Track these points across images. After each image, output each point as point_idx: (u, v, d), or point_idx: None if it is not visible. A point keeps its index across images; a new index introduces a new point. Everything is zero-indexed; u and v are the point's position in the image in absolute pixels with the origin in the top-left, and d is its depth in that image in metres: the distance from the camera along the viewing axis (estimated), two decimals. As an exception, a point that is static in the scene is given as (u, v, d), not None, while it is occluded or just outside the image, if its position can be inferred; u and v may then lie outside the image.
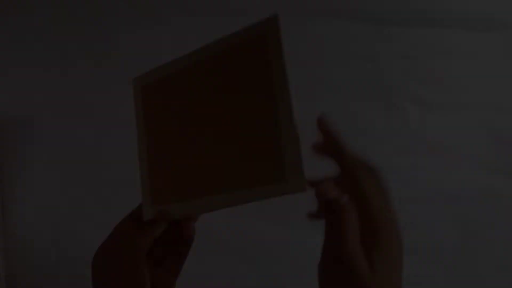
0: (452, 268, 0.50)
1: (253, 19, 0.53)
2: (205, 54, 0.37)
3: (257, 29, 0.34)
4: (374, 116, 0.51)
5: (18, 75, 0.52)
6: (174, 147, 0.39)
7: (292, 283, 0.50)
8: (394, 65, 0.51)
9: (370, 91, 0.51)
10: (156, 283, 0.36)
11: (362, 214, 0.28)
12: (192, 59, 0.38)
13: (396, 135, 0.51)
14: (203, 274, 0.50)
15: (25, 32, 0.52)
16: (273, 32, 0.33)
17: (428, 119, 0.51)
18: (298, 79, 0.47)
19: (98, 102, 0.51)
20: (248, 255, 0.50)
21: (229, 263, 0.50)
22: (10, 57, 0.53)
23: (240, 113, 0.36)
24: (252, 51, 0.34)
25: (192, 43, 0.53)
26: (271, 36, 0.33)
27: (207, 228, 0.47)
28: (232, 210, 0.39)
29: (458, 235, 0.50)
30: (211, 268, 0.50)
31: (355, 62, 0.51)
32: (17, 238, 0.50)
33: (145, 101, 0.41)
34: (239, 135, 0.36)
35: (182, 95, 0.39)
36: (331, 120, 0.30)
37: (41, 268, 0.50)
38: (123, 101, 0.51)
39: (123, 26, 0.52)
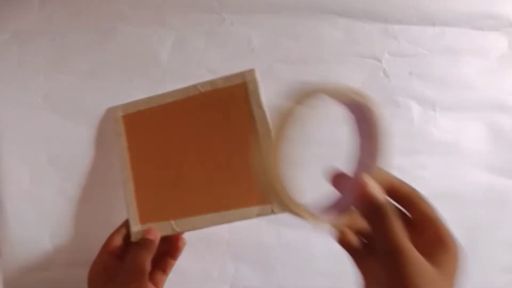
0: (455, 268, 0.50)
1: (253, 19, 0.54)
2: (191, 93, 0.43)
3: (238, 76, 0.42)
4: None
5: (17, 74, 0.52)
6: (159, 171, 0.44)
7: (292, 283, 0.50)
8: (397, 63, 0.50)
9: (374, 90, 0.50)
10: None
11: None
12: (177, 95, 0.44)
13: (400, 134, 0.50)
14: (203, 274, 0.50)
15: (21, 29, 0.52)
16: (252, 80, 0.42)
17: (432, 117, 0.51)
18: (301, 76, 0.48)
19: (98, 103, 0.51)
20: (248, 255, 0.50)
21: (229, 263, 0.50)
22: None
23: (225, 144, 0.42)
24: (235, 94, 0.42)
25: (192, 42, 0.53)
26: (250, 83, 0.42)
27: (208, 229, 0.47)
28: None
29: (459, 235, 0.50)
30: (211, 267, 0.50)
31: (358, 61, 0.50)
32: (17, 238, 0.50)
33: (127, 128, 0.45)
34: (224, 164, 0.42)
35: (166, 126, 0.44)
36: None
37: (40, 267, 0.50)
38: (122, 101, 0.51)
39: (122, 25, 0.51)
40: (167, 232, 0.43)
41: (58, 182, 0.50)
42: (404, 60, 0.50)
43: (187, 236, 0.49)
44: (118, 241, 0.42)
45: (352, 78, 0.50)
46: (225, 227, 0.49)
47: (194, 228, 0.42)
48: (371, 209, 0.28)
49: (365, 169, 0.31)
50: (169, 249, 0.45)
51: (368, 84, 0.50)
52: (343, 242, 0.31)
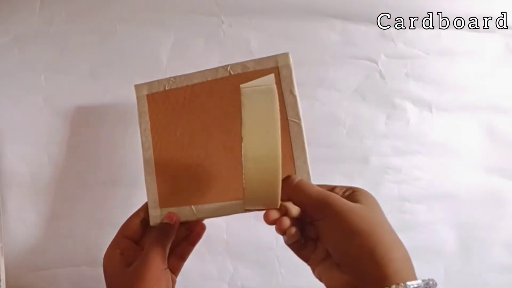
0: (452, 268, 0.50)
1: (251, 21, 0.54)
2: (220, 75, 0.41)
3: (270, 60, 0.40)
4: (374, 116, 0.51)
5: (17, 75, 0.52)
6: (182, 154, 0.42)
7: (290, 282, 0.50)
8: (393, 65, 0.51)
9: (370, 92, 0.51)
10: None
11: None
12: (205, 76, 0.42)
13: (396, 135, 0.51)
14: (202, 273, 0.50)
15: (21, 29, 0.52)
16: (286, 65, 0.40)
17: (428, 119, 0.51)
18: (298, 78, 0.48)
19: (99, 104, 0.51)
20: (247, 255, 0.50)
21: (228, 262, 0.50)
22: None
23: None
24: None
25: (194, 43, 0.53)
26: (283, 68, 0.40)
27: (206, 228, 0.47)
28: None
29: (458, 235, 0.51)
30: (210, 266, 0.50)
31: (354, 63, 0.51)
32: (17, 238, 0.50)
33: (151, 108, 0.43)
34: None
35: (192, 107, 0.42)
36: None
37: (40, 267, 0.50)
38: (123, 103, 0.51)
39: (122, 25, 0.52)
40: (187, 217, 0.40)
41: (58, 182, 0.50)
42: (400, 62, 0.51)
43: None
44: (135, 224, 0.40)
45: (349, 80, 0.50)
46: (223, 227, 0.50)
47: (215, 215, 0.40)
48: (291, 183, 0.35)
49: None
50: (188, 234, 0.43)
51: (364, 86, 0.50)
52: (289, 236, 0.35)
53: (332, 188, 0.35)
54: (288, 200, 0.35)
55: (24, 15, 0.51)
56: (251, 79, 0.39)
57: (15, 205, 0.50)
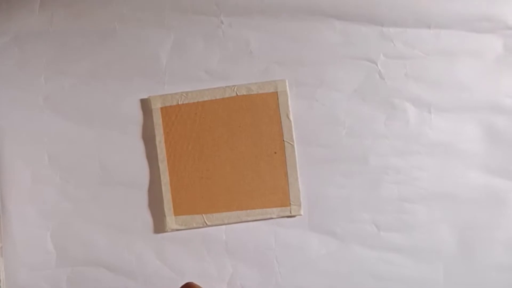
0: (452, 268, 0.50)
1: (251, 21, 0.54)
2: (227, 95, 0.47)
3: (271, 85, 0.46)
4: (373, 116, 0.51)
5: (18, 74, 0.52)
6: (193, 166, 0.47)
7: (289, 282, 0.50)
8: (393, 65, 0.51)
9: (370, 92, 0.51)
10: None
11: None
12: (214, 95, 0.47)
13: (396, 136, 0.51)
14: (201, 273, 0.50)
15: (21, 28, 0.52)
16: (283, 91, 0.46)
17: (427, 119, 0.51)
18: (298, 79, 0.49)
19: (99, 104, 0.51)
20: (246, 255, 0.50)
21: (227, 262, 0.50)
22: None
23: (253, 147, 0.46)
24: (267, 101, 0.47)
25: (193, 44, 0.53)
26: (281, 94, 0.46)
27: (206, 228, 0.48)
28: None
29: (458, 235, 0.51)
30: (209, 266, 0.50)
31: (354, 63, 0.51)
32: (17, 238, 0.50)
33: (164, 121, 0.47)
34: (252, 165, 0.46)
35: (202, 123, 0.47)
36: None
37: (40, 267, 0.50)
38: (123, 103, 0.51)
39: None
40: (199, 225, 0.47)
41: (59, 182, 0.50)
42: (400, 62, 0.51)
43: (186, 235, 0.50)
44: None
45: (348, 80, 0.50)
46: (223, 228, 0.50)
47: (222, 223, 0.47)
48: None
49: None
50: None
51: (364, 86, 0.51)
52: None
53: None
54: None
55: (24, 15, 0.51)
56: (255, 101, 0.46)
57: (15, 205, 0.50)
